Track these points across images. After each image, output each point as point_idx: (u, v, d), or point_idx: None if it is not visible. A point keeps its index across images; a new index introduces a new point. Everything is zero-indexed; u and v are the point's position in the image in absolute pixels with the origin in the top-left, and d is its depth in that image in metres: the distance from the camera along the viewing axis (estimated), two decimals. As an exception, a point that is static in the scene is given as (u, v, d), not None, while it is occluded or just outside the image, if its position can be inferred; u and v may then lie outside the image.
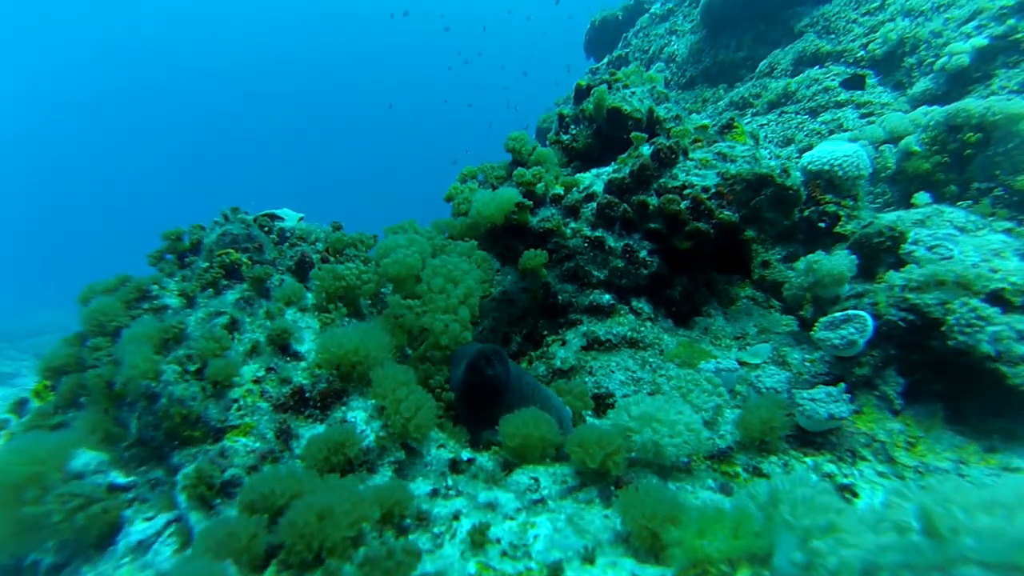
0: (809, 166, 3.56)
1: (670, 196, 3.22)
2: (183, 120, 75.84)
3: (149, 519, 2.05)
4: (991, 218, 5.24)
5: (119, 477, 2.14)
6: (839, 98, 8.01)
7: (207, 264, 3.01)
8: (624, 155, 3.75)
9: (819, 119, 8.05)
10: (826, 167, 3.47)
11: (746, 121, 8.67)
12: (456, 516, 1.77)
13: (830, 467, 2.28)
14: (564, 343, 3.17)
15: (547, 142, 4.74)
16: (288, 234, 3.55)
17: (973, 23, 6.83)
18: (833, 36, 8.54)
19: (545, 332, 3.37)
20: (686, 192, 3.26)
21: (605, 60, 11.79)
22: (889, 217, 3.46)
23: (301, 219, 3.78)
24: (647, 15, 11.65)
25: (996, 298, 2.46)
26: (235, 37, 71.97)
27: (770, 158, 3.74)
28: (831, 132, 7.76)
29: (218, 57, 73.19)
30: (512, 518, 1.79)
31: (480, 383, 2.36)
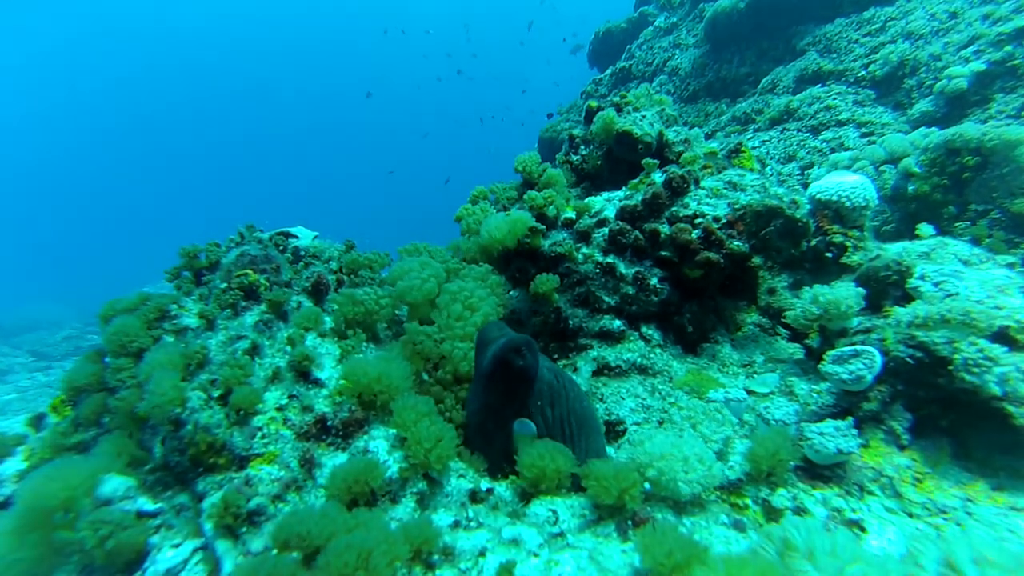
0: (817, 195, 3.63)
1: (682, 225, 3.29)
2: (180, 122, 76.01)
3: (176, 546, 2.09)
4: (989, 241, 5.34)
5: (147, 503, 2.18)
6: (840, 117, 8.13)
7: (226, 285, 3.05)
8: (635, 180, 3.81)
9: (820, 137, 8.16)
10: (834, 197, 3.54)
11: (748, 136, 8.77)
12: (482, 553, 1.82)
13: (838, 501, 2.34)
14: (576, 370, 3.23)
15: (556, 162, 4.79)
16: (302, 253, 3.59)
17: (971, 48, 6.95)
18: (835, 55, 8.65)
19: (555, 356, 3.42)
20: (697, 221, 3.32)
21: (609, 71, 11.87)
22: (895, 249, 3.54)
23: (316, 237, 3.82)
24: (651, 28, 11.74)
25: (1001, 336, 2.53)
26: (250, 45, 72.46)
27: (772, 175, 3.80)
28: (832, 150, 7.87)
29: (226, 62, 73.66)
30: (536, 555, 1.84)
31: (509, 375, 2.29)
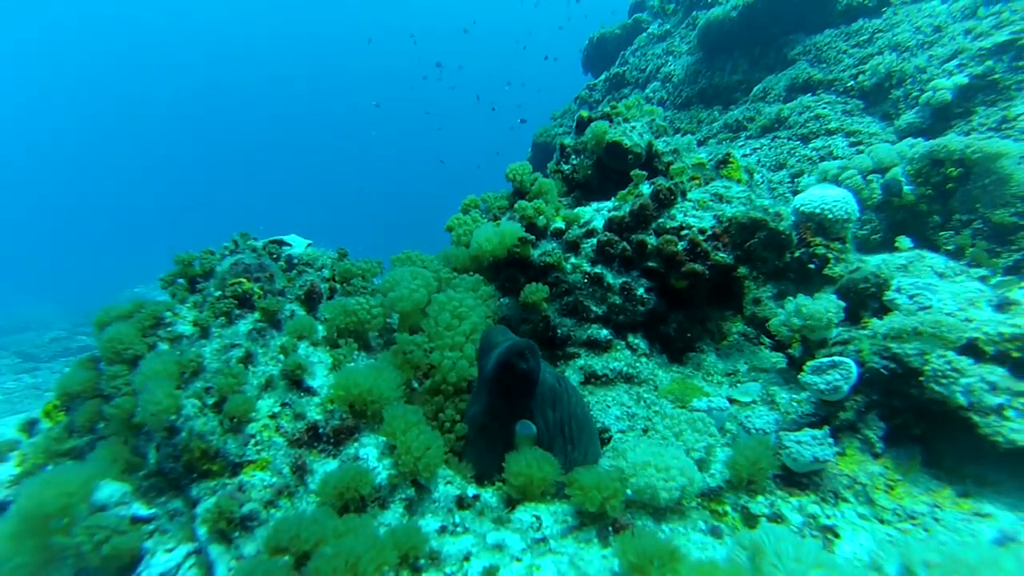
0: (801, 207, 3.72)
1: (668, 237, 3.37)
2: (174, 123, 76.00)
3: (169, 551, 2.14)
4: (972, 250, 5.46)
5: (141, 509, 2.23)
6: (830, 126, 8.25)
7: (220, 293, 3.10)
8: (624, 191, 3.89)
9: (810, 145, 8.28)
10: (817, 210, 3.63)
11: (740, 144, 8.88)
12: (467, 557, 1.89)
13: (814, 508, 2.42)
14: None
15: (547, 171, 4.87)
16: (296, 261, 3.65)
17: (954, 62, 7.09)
18: (824, 65, 8.78)
19: (545, 363, 3.50)
20: (683, 233, 3.41)
21: (603, 77, 11.98)
22: (875, 261, 3.63)
23: (309, 245, 3.88)
24: (645, 34, 11.86)
25: (970, 348, 2.63)
26: (247, 49, 72.63)
27: (762, 183, 3.88)
28: (822, 158, 7.99)
29: (223, 66, 73.84)
30: (519, 559, 1.91)
31: (512, 378, 2.37)
